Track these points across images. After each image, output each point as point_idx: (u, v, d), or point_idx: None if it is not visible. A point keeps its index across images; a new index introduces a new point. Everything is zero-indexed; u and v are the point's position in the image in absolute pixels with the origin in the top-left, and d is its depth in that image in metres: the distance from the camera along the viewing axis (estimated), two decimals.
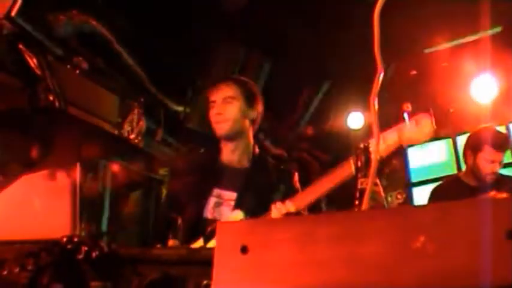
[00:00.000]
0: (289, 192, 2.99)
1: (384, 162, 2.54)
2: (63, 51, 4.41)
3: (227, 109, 3.17)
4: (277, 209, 2.77)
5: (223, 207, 3.06)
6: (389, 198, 8.13)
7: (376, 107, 1.74)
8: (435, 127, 2.60)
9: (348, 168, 2.64)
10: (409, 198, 8.62)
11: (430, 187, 4.97)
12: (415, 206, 1.33)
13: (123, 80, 5.12)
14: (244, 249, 1.03)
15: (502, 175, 4.48)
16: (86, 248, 1.63)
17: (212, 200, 3.08)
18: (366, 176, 1.99)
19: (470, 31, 6.47)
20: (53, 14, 4.40)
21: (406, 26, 6.00)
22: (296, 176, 3.22)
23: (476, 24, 6.06)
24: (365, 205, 1.67)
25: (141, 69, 5.28)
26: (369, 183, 1.60)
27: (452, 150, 8.48)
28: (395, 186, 8.45)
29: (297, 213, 2.64)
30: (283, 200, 2.82)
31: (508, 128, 7.74)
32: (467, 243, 0.87)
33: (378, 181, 2.20)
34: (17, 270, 1.65)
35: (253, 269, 1.01)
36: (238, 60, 6.22)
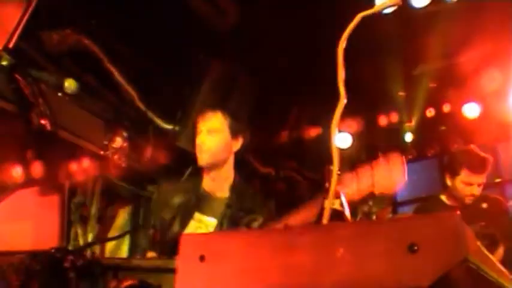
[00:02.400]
0: (266, 221, 3.09)
1: (357, 206, 2.58)
2: (56, 69, 4.56)
3: (210, 141, 3.27)
4: None
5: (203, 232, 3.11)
6: (374, 217, 8.11)
7: (337, 132, 1.92)
8: (405, 176, 2.64)
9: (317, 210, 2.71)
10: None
11: (416, 207, 5.08)
12: (338, 223, 1.51)
13: (114, 99, 5.26)
14: (202, 258, 1.22)
15: (481, 196, 4.51)
16: (72, 258, 1.80)
17: (193, 224, 3.19)
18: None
19: (458, 52, 6.61)
20: (47, 32, 4.55)
21: (397, 46, 6.18)
22: (272, 206, 3.34)
23: (465, 45, 6.23)
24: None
25: (131, 88, 5.42)
26: (326, 203, 1.76)
27: (439, 170, 8.57)
28: (381, 206, 8.49)
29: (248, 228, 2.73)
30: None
31: (494, 148, 7.84)
32: (376, 255, 1.06)
33: (344, 202, 2.32)
34: (10, 277, 1.82)
35: (209, 275, 1.20)
36: (228, 79, 6.33)
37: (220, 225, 3.17)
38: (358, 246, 1.08)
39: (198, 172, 3.41)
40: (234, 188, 3.36)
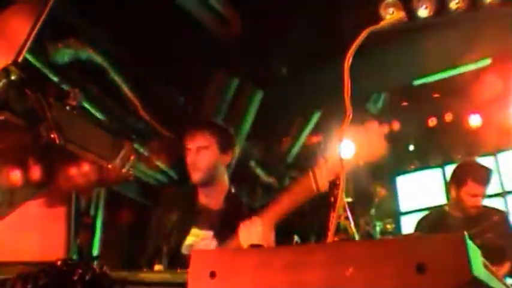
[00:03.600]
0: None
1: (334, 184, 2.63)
2: (60, 78, 4.58)
3: (200, 158, 3.29)
4: (246, 226, 2.90)
5: (200, 246, 3.18)
6: (377, 228, 8.08)
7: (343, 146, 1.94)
8: (385, 136, 2.72)
9: (308, 185, 2.76)
10: (397, 227, 8.68)
11: (419, 216, 5.10)
12: (348, 242, 1.53)
13: (118, 109, 5.28)
14: (212, 275, 1.23)
15: (486, 207, 4.61)
16: (80, 271, 1.81)
17: (190, 239, 3.22)
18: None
19: (460, 63, 6.64)
20: (51, 41, 4.57)
21: (398, 57, 6.21)
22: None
23: (466, 56, 6.27)
24: (330, 238, 1.85)
25: (135, 97, 5.44)
26: (333, 218, 1.77)
27: (442, 180, 8.57)
28: (384, 216, 8.47)
29: (258, 246, 2.71)
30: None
31: (496, 158, 7.84)
32: (385, 275, 1.07)
33: (349, 215, 2.34)
34: None
35: None
36: (231, 90, 6.36)
37: (216, 237, 3.20)
38: (367, 266, 1.09)
39: (193, 189, 3.44)
40: (228, 200, 3.40)
